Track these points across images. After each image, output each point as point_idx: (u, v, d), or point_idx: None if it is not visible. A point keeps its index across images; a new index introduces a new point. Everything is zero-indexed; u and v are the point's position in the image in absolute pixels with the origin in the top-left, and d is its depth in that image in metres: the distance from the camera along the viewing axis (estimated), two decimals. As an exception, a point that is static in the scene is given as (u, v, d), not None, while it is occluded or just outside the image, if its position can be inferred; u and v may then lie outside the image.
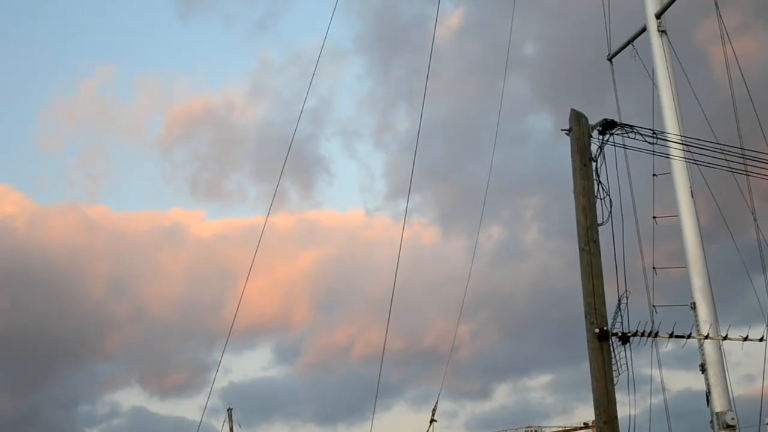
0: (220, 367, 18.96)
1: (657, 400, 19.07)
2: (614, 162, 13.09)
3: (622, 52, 18.22)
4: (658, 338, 12.55)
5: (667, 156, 14.89)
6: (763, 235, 17.13)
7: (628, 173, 17.62)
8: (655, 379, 18.78)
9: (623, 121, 13.28)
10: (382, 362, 17.16)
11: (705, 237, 16.66)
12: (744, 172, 14.87)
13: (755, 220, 17.01)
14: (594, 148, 12.94)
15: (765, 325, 12.71)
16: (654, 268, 17.78)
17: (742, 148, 14.72)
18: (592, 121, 13.12)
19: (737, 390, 16.11)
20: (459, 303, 22.18)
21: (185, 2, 79.66)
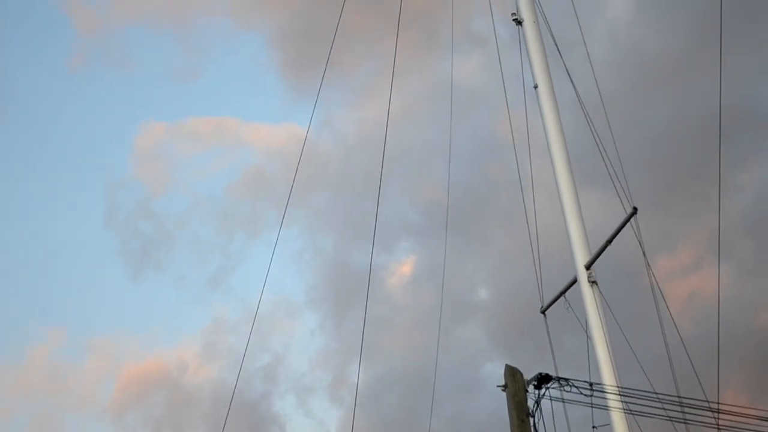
0: None
1: None
2: (552, 416, 13.11)
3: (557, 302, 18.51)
4: None
5: (605, 408, 14.87)
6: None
7: (568, 427, 17.51)
8: None
9: (562, 374, 13.35)
10: None
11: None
12: (683, 421, 14.85)
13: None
14: (531, 402, 12.97)
15: None
16: None
17: (679, 397, 14.76)
18: (529, 375, 13.19)
19: None
20: None
21: (136, 264, 79.66)
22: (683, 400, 14.51)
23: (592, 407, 14.06)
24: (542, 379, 13.01)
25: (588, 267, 17.18)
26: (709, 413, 14.54)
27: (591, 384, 13.58)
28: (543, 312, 18.49)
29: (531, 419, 12.81)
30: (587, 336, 16.80)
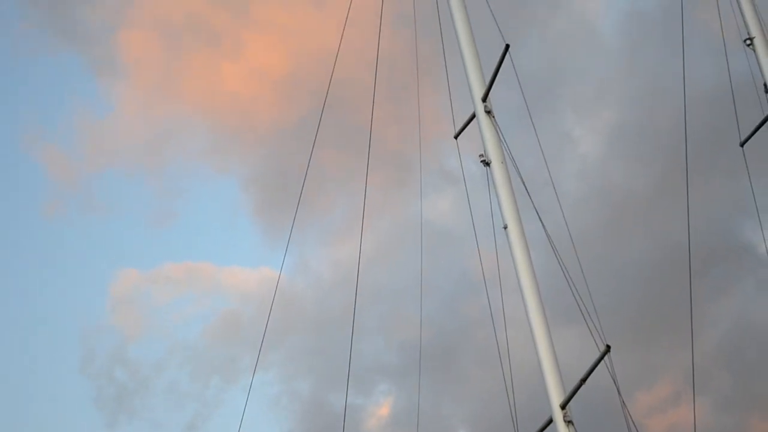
0: None
1: None
2: None
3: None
4: None
5: None
6: None
7: None
8: None
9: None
10: None
11: None
12: None
13: None
14: None
15: None
16: None
17: None
18: None
19: None
20: None
21: (111, 412, 77.76)
22: None
23: None
24: None
25: (563, 407, 17.01)
26: None
27: None
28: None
29: None
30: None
